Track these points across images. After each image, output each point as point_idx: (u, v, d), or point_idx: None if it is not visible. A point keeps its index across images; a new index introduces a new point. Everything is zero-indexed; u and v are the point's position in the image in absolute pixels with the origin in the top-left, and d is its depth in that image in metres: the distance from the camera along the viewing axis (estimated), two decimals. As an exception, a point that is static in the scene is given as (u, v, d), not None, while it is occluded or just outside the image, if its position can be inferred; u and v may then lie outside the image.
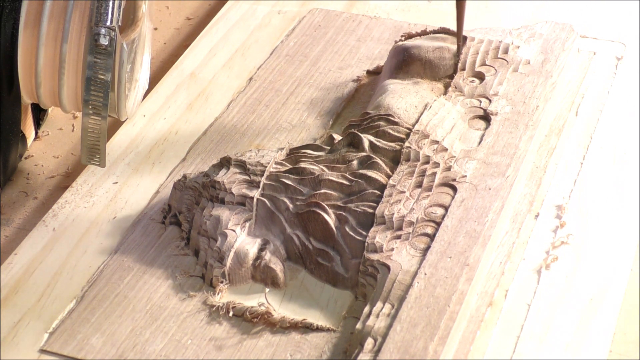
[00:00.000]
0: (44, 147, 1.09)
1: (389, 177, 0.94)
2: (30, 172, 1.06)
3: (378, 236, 0.89)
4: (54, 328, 0.88)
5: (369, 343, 0.82)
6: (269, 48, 1.19)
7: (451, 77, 1.06)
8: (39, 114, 1.09)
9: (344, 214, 0.91)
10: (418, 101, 1.01)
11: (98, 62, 0.93)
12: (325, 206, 0.91)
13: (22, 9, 0.96)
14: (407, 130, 0.98)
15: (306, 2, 1.26)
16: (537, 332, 0.86)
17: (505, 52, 1.08)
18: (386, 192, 0.92)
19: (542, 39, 1.10)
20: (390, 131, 0.97)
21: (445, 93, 1.04)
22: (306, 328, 0.86)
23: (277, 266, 0.91)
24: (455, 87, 1.04)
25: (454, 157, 0.96)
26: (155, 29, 1.27)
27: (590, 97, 1.10)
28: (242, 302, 0.88)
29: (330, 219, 0.91)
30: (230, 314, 0.87)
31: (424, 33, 1.11)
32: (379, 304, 0.84)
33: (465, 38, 1.08)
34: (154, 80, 1.14)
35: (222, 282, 0.90)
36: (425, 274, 0.86)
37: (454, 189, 0.93)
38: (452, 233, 0.89)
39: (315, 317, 0.88)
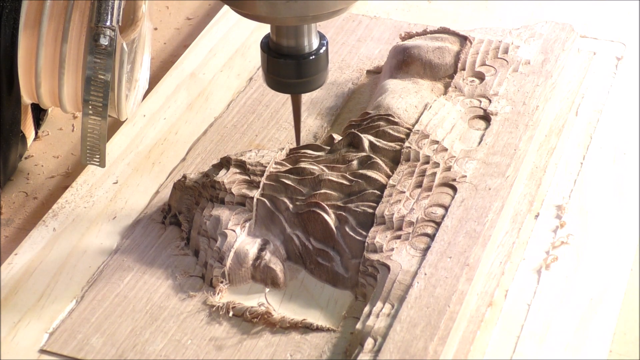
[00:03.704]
0: (44, 147, 1.09)
1: (389, 177, 0.94)
2: (30, 172, 1.06)
3: (378, 236, 0.89)
4: (54, 328, 0.88)
5: (369, 343, 0.82)
6: (269, 48, 1.19)
7: (451, 77, 1.06)
8: (39, 114, 1.09)
9: (344, 214, 0.91)
10: (418, 101, 1.01)
11: (98, 62, 0.93)
12: (325, 206, 0.91)
13: (22, 9, 0.95)
14: (407, 130, 0.98)
15: (306, 2, 1.26)
16: (537, 332, 0.86)
17: (505, 52, 1.08)
18: (386, 192, 0.92)
19: (542, 39, 1.10)
20: (390, 131, 0.97)
21: (445, 93, 1.04)
22: (306, 328, 0.86)
23: (277, 266, 0.91)
24: (455, 87, 1.04)
25: (454, 157, 0.96)
26: (155, 29, 1.27)
27: (590, 97, 1.10)
28: (242, 302, 0.88)
29: (330, 219, 0.91)
30: (230, 314, 0.87)
31: (424, 33, 1.11)
32: (379, 304, 0.84)
33: (465, 38, 1.08)
34: (154, 80, 1.14)
35: (222, 282, 0.90)
36: (425, 274, 0.86)
37: (454, 189, 0.93)
38: (452, 233, 0.89)
39: (315, 317, 0.88)
